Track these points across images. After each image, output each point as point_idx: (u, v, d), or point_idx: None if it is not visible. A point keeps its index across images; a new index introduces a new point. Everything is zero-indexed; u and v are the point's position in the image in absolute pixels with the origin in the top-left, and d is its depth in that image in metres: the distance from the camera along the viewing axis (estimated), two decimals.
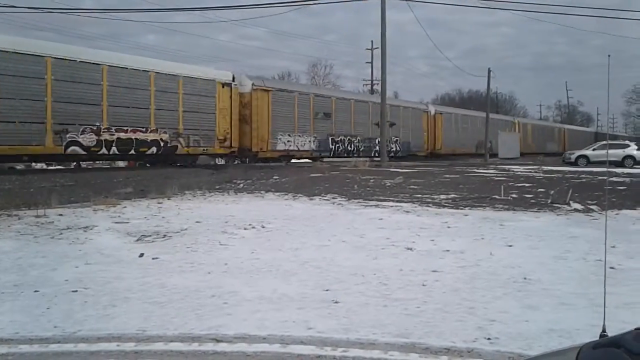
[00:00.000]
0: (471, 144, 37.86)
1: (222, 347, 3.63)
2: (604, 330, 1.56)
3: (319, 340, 3.70)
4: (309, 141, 24.35)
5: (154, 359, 3.46)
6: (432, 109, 34.64)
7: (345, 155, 26.68)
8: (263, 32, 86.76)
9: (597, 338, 1.46)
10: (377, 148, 27.50)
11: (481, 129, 38.78)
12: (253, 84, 21.68)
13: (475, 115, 41.13)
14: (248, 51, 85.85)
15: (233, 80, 20.92)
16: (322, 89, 27.45)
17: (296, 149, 23.68)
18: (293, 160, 24.86)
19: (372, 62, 46.36)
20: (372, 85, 47.48)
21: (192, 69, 20.02)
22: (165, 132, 18.22)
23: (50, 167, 17.64)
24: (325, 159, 25.95)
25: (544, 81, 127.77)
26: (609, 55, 2.03)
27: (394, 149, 29.90)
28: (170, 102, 18.53)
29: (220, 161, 22.42)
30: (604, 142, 31.08)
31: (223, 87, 20.33)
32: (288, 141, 23.21)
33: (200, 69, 20.67)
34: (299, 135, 23.80)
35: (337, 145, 26.15)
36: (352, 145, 27.10)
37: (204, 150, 19.82)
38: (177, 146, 18.65)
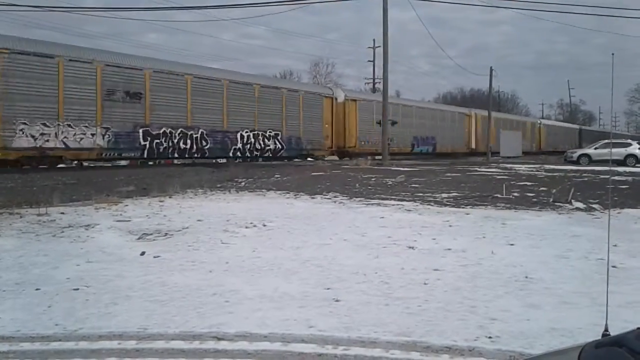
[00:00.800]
0: (404, 142, 30.43)
1: (224, 345, 3.63)
2: (606, 330, 1.55)
3: (320, 338, 3.70)
4: (93, 134, 16.09)
5: (155, 357, 3.46)
6: (340, 95, 26.82)
7: (177, 156, 18.89)
8: (265, 30, 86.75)
9: (600, 337, 1.46)
10: (240, 145, 20.64)
11: (421, 122, 31.94)
12: None
13: (409, 104, 32.85)
14: (250, 50, 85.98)
15: None
16: (121, 55, 17.99)
17: (62, 146, 15.43)
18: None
19: (374, 61, 46.39)
20: (374, 83, 47.49)
21: None
22: None
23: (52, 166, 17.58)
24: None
25: (545, 80, 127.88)
26: (612, 54, 2.03)
27: (272, 147, 22.19)
28: None
29: None
30: (607, 141, 31.03)
31: None
32: (43, 134, 14.94)
33: None
34: (70, 125, 15.47)
35: (157, 141, 17.80)
36: (188, 142, 18.83)
37: None
38: None
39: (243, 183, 14.23)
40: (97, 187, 12.26)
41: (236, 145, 20.60)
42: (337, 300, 4.53)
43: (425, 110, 33.73)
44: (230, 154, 20.55)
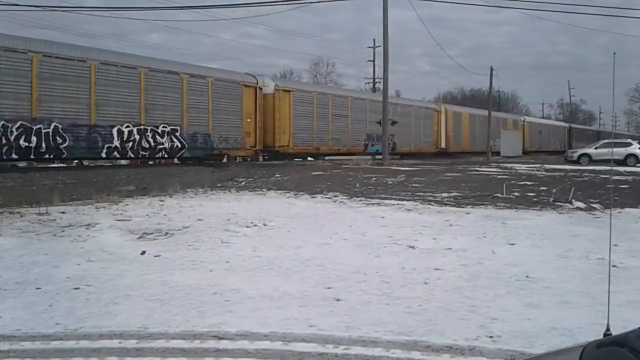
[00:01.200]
0: (355, 138, 25.90)
1: (224, 344, 3.63)
2: (608, 329, 1.55)
3: (321, 338, 3.70)
4: None
5: (155, 357, 3.46)
6: (268, 84, 22.25)
7: (15, 157, 14.17)
8: (265, 30, 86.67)
9: (601, 337, 1.46)
10: (117, 144, 16.13)
11: (377, 117, 25.68)
12: None
13: (362, 97, 27.98)
14: (251, 50, 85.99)
15: None
16: None
17: None
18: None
19: (374, 61, 46.38)
20: (374, 83, 47.48)
21: None
22: None
23: (53, 165, 17.58)
24: None
25: (546, 80, 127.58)
26: (614, 53, 2.02)
27: (167, 146, 17.60)
28: None
29: None
30: (608, 141, 31.03)
31: None
32: None
33: None
34: None
35: None
36: (34, 139, 13.98)
37: None
38: None
39: (243, 182, 14.24)
40: (98, 186, 12.27)
41: (111, 143, 16.04)
42: (337, 300, 4.53)
43: (381, 104, 26.87)
44: (104, 155, 16.02)
